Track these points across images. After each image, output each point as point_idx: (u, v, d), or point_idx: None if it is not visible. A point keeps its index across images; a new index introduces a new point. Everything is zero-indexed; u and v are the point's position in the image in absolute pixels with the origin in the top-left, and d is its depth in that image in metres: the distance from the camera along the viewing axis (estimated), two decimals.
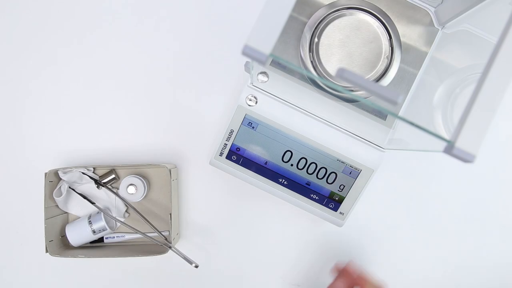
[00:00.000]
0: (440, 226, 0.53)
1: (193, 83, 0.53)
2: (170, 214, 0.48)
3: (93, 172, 0.51)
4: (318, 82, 0.45)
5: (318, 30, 0.43)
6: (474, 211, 0.53)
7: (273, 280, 0.54)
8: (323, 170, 0.47)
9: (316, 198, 0.47)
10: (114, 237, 0.52)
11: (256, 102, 0.46)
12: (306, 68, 0.44)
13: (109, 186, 0.51)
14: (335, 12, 0.43)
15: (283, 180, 0.47)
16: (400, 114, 0.45)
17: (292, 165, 0.47)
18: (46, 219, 0.48)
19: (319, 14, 0.43)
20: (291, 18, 0.44)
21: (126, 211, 0.52)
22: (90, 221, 0.50)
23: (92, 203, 0.50)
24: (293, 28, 0.44)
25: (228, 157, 0.47)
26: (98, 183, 0.51)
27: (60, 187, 0.50)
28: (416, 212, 0.53)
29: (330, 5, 0.44)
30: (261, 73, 0.45)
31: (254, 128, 0.46)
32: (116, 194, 0.51)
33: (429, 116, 0.48)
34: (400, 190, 0.53)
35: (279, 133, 0.46)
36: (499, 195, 0.53)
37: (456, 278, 0.54)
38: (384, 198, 0.53)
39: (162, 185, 0.52)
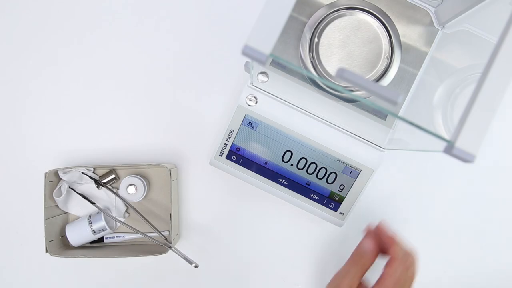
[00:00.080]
0: (440, 226, 0.53)
1: (193, 83, 0.53)
2: (170, 214, 0.48)
3: (93, 172, 0.51)
4: (318, 82, 0.45)
5: (318, 30, 0.43)
6: (474, 211, 0.53)
7: (273, 280, 0.54)
8: (323, 170, 0.47)
9: (316, 198, 0.47)
10: (114, 237, 0.52)
11: (256, 102, 0.46)
12: (306, 68, 0.44)
13: (109, 186, 0.51)
14: (335, 12, 0.43)
15: (283, 180, 0.47)
16: (400, 114, 0.45)
17: (292, 165, 0.47)
18: (46, 219, 0.48)
19: (319, 14, 0.43)
20: (291, 18, 0.44)
21: (126, 211, 0.52)
22: (90, 221, 0.50)
23: (92, 203, 0.50)
24: (293, 28, 0.44)
25: (228, 157, 0.47)
26: (98, 183, 0.51)
27: (60, 187, 0.50)
28: (416, 212, 0.53)
29: (330, 5, 0.44)
30: (261, 73, 0.45)
31: (254, 128, 0.46)
32: (116, 194, 0.51)
33: (429, 116, 0.48)
34: (400, 190, 0.53)
35: (279, 133, 0.46)
36: (499, 195, 0.53)
37: (456, 278, 0.54)
38: (384, 198, 0.53)
39: (162, 185, 0.52)
